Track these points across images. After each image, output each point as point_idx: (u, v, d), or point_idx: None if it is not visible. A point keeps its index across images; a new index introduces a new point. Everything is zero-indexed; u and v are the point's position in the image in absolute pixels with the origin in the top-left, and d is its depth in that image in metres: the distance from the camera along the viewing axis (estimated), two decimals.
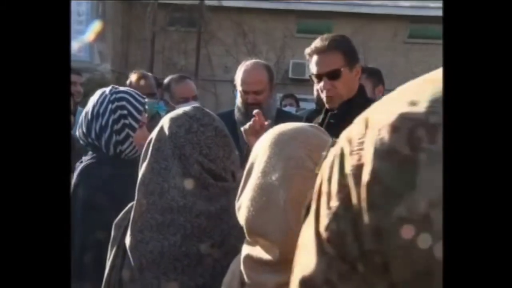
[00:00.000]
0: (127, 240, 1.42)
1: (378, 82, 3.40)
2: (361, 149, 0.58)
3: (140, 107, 1.92)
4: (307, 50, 2.21)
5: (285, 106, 5.92)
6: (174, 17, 11.88)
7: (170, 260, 1.36)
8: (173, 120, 1.46)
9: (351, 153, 0.59)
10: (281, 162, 1.06)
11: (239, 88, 2.71)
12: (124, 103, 1.89)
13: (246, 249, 1.11)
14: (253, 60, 2.84)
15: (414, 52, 12.08)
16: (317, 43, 2.17)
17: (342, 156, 0.61)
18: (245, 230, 1.12)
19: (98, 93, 1.93)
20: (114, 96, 1.89)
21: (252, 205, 1.08)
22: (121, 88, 1.98)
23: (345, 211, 0.58)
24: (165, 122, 1.47)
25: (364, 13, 11.86)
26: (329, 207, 0.60)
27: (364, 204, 0.57)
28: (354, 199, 0.58)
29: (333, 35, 2.23)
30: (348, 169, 0.59)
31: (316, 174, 0.66)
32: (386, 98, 0.63)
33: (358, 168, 0.58)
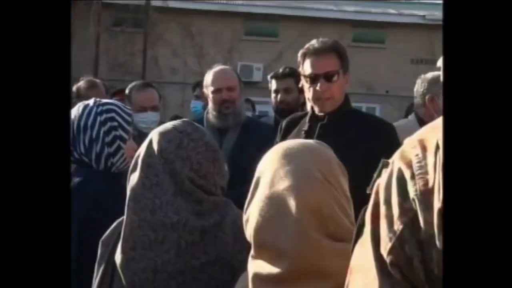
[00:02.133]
0: (118, 257, 1.39)
1: None
2: (425, 173, 0.59)
3: (129, 118, 1.89)
4: (301, 52, 2.15)
5: None
6: (119, 17, 11.62)
7: (165, 278, 1.34)
8: (162, 135, 1.44)
9: (413, 177, 0.60)
10: (289, 173, 1.09)
11: (210, 89, 2.69)
12: (113, 114, 1.85)
13: (253, 267, 1.12)
14: (219, 66, 2.86)
15: (357, 56, 12.34)
16: (315, 44, 2.13)
17: (401, 179, 0.61)
18: (252, 244, 1.12)
19: (79, 106, 1.87)
20: (101, 108, 1.85)
21: (261, 215, 1.09)
22: (105, 100, 1.95)
23: (411, 235, 0.59)
24: (154, 136, 1.45)
25: (310, 16, 11.99)
26: (392, 231, 0.60)
27: (435, 229, 0.57)
28: (422, 224, 0.58)
29: (328, 39, 2.18)
30: (412, 193, 0.59)
31: (369, 195, 0.66)
32: (439, 120, 0.63)
33: (426, 193, 0.58)
